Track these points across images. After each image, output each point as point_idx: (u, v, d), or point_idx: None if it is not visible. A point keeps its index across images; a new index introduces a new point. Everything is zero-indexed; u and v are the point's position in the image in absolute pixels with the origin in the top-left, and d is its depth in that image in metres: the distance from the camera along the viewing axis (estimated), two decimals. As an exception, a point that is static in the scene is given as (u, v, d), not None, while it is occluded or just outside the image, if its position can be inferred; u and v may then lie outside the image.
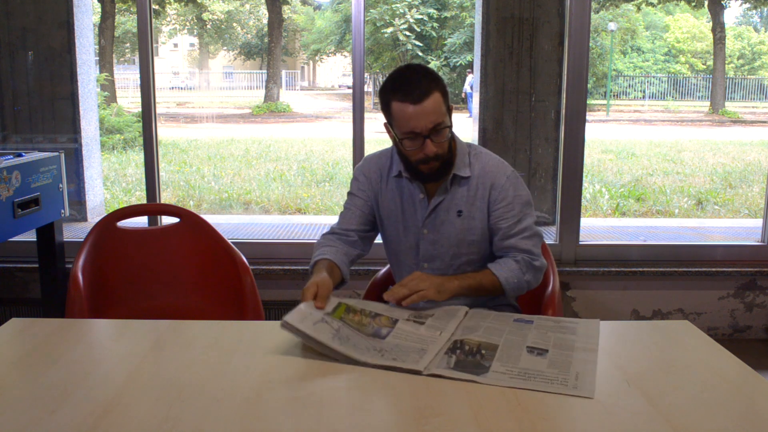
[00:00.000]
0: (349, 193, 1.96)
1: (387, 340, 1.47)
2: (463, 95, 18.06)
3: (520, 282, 1.79)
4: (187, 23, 22.78)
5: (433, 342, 1.46)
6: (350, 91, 3.29)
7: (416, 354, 1.40)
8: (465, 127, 7.66)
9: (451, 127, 1.75)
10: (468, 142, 1.90)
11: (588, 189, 7.97)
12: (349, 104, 3.45)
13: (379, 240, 1.99)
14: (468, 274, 1.81)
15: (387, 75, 1.76)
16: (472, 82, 17.15)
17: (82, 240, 2.33)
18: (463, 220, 1.84)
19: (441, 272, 1.86)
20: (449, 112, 1.75)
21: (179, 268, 2.43)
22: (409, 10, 18.54)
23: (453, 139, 1.80)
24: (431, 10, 18.67)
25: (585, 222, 4.24)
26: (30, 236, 2.92)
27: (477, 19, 3.32)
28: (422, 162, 1.75)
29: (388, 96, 1.72)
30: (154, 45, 3.23)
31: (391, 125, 1.78)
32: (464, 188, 1.83)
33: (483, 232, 1.85)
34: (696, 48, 21.65)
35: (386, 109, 1.75)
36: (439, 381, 1.32)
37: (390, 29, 18.54)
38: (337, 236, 1.90)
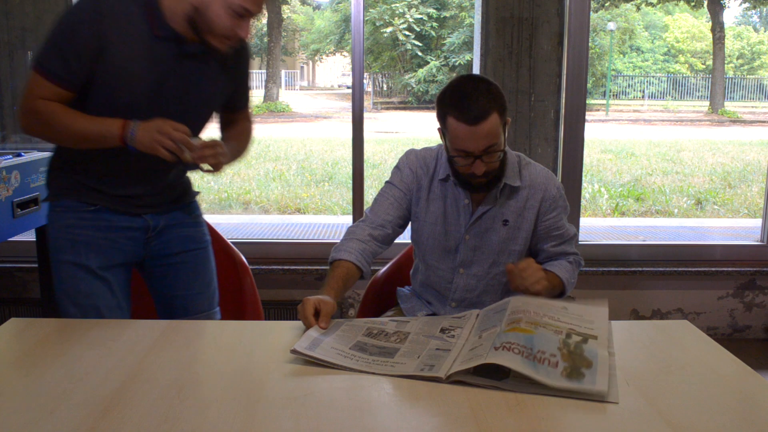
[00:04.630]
0: (388, 183, 1.92)
1: (402, 351, 1.46)
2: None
3: (574, 282, 1.87)
4: (187, 23, 22.72)
5: (447, 350, 1.45)
6: (350, 90, 3.29)
7: (434, 360, 1.39)
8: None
9: (504, 149, 1.73)
10: (517, 152, 1.89)
11: (587, 189, 7.98)
12: (348, 104, 3.45)
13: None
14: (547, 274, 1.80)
15: (448, 83, 1.73)
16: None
17: (81, 240, 2.32)
18: (509, 229, 1.84)
19: (477, 279, 1.87)
20: (505, 127, 1.72)
21: (179, 268, 2.42)
22: (409, 10, 18.54)
23: (504, 152, 1.78)
24: (430, 10, 18.67)
25: (584, 222, 4.25)
26: (29, 236, 2.92)
27: (476, 18, 3.32)
28: (470, 177, 1.74)
29: (445, 108, 1.69)
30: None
31: (444, 136, 1.76)
32: (513, 198, 1.83)
33: (526, 242, 1.86)
34: (695, 48, 21.65)
35: (441, 119, 1.72)
36: (438, 381, 1.32)
37: (389, 29, 18.55)
38: (371, 228, 1.86)
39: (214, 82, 1.75)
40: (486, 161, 1.70)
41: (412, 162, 1.91)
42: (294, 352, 1.40)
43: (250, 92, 1.91)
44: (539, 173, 1.86)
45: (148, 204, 1.80)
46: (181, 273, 1.91)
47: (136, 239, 1.82)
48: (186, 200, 1.92)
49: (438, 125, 1.76)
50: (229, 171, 9.19)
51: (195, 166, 1.64)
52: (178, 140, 1.55)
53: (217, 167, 1.64)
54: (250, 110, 1.94)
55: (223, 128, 1.92)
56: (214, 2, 1.55)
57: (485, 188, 1.79)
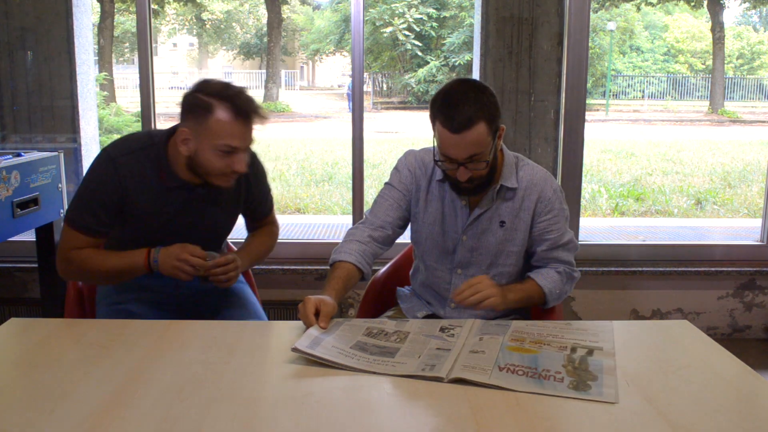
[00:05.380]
0: (387, 184, 1.92)
1: (402, 351, 1.46)
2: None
3: (561, 294, 1.84)
4: (187, 23, 22.75)
5: (447, 349, 1.45)
6: (349, 90, 3.29)
7: (435, 360, 1.39)
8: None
9: (490, 160, 1.71)
10: (515, 153, 1.88)
11: (587, 189, 7.97)
12: (348, 104, 3.44)
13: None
14: (517, 286, 1.82)
15: (442, 86, 1.72)
16: (350, 84, 17.83)
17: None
18: (506, 231, 1.84)
19: None
20: (496, 135, 1.70)
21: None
22: (409, 10, 18.53)
23: (497, 155, 1.77)
24: (430, 10, 18.66)
25: (584, 222, 4.24)
26: (29, 236, 2.92)
27: (476, 18, 3.32)
28: (456, 181, 1.75)
29: (434, 112, 1.69)
30: (153, 45, 3.23)
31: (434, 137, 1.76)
32: (510, 199, 1.83)
33: (523, 244, 1.85)
34: (695, 48, 21.65)
35: (432, 121, 1.72)
36: (438, 381, 1.32)
37: (389, 29, 18.54)
38: (370, 229, 1.86)
39: (227, 208, 1.91)
40: (470, 168, 1.69)
41: (410, 163, 1.91)
42: (295, 350, 1.40)
43: (270, 199, 2.05)
44: (536, 174, 1.85)
45: None
46: (216, 298, 1.99)
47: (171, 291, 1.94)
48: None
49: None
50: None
51: (206, 279, 1.78)
52: (195, 264, 1.71)
53: (229, 282, 1.79)
54: (273, 214, 2.09)
55: (249, 230, 2.09)
56: (203, 148, 1.68)
57: (472, 192, 1.79)
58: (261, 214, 2.05)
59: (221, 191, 1.81)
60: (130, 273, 1.78)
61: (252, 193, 1.95)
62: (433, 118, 1.70)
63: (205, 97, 1.66)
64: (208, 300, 1.97)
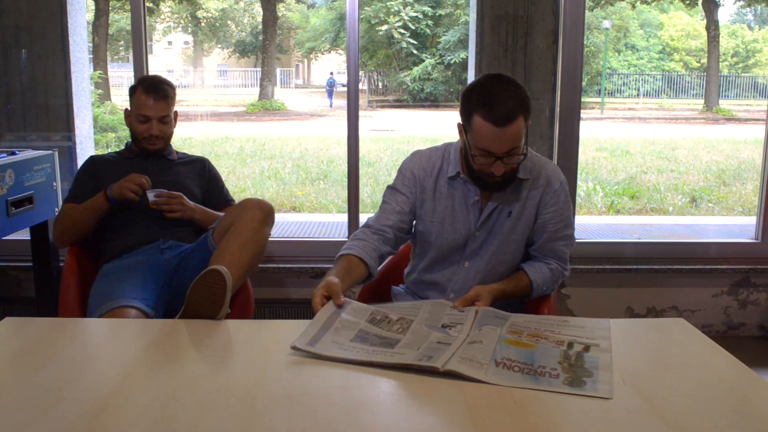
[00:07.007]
0: (391, 188, 1.93)
1: (403, 342, 1.46)
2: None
3: (547, 290, 1.89)
4: (182, 21, 22.67)
5: (448, 343, 1.45)
6: (345, 89, 3.29)
7: (433, 353, 1.39)
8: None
9: (526, 153, 1.74)
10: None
11: (582, 187, 7.98)
12: (343, 102, 3.44)
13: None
14: (507, 281, 1.86)
15: (476, 80, 1.73)
16: (331, 80, 19.47)
17: (76, 239, 2.33)
18: (511, 220, 1.86)
19: (477, 270, 1.89)
20: (527, 130, 1.73)
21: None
22: (404, 8, 18.51)
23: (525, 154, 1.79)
24: (426, 8, 18.64)
25: (579, 220, 4.25)
26: (24, 235, 2.91)
27: (471, 16, 3.32)
28: (488, 176, 1.75)
29: (471, 106, 1.69)
30: (149, 43, 3.22)
31: (465, 132, 1.75)
32: (518, 190, 1.85)
33: (525, 233, 1.88)
34: (690, 46, 21.67)
35: (466, 116, 1.72)
36: (434, 379, 1.32)
37: (385, 27, 18.52)
38: (372, 231, 1.88)
39: (184, 180, 2.45)
40: (506, 162, 1.70)
41: (414, 164, 1.91)
42: (294, 348, 1.40)
43: (225, 192, 2.59)
44: (545, 166, 1.88)
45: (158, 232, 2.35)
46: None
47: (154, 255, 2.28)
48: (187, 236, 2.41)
49: (459, 121, 1.76)
50: (224, 169, 9.17)
51: (160, 212, 2.30)
52: (138, 183, 2.23)
53: (172, 213, 2.30)
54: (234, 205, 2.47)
55: None
56: (132, 119, 2.42)
57: (500, 187, 1.80)
58: (219, 202, 2.53)
59: (173, 164, 2.47)
60: (96, 207, 2.27)
61: (207, 175, 2.54)
62: (469, 113, 1.69)
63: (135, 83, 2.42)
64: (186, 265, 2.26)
